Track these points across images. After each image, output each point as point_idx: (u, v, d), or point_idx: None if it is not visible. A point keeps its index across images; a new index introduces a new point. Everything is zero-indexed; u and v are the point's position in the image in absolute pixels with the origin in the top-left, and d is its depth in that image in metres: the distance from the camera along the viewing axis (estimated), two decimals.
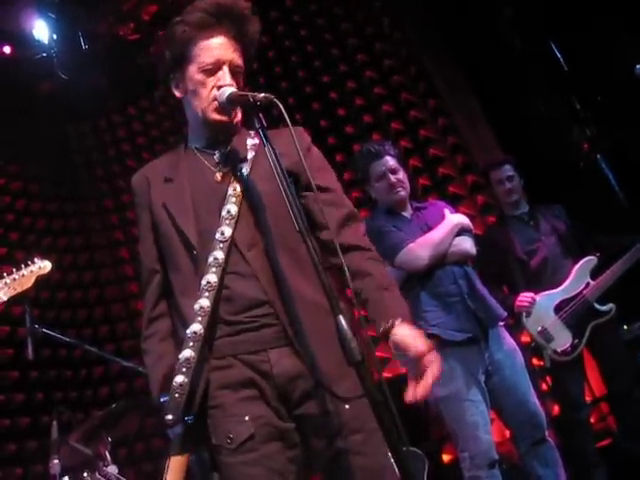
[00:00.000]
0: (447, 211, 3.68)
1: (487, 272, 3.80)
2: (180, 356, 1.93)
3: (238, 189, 2.05)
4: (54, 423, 3.66)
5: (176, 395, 1.91)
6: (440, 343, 3.38)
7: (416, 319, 3.44)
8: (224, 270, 1.98)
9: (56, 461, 3.56)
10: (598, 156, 4.73)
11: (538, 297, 4.15)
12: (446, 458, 5.47)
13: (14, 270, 2.60)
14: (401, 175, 3.68)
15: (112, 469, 3.62)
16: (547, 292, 4.17)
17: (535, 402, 3.49)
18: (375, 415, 1.55)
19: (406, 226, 3.63)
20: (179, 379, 1.91)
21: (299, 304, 1.93)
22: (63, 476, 3.55)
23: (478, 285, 3.55)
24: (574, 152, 4.95)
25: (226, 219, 2.01)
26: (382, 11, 6.43)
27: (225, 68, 2.08)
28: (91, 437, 3.78)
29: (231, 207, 2.02)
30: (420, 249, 3.48)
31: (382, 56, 6.39)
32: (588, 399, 4.61)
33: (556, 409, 4.72)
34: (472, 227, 3.68)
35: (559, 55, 5.08)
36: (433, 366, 1.90)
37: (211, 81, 2.08)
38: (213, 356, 1.98)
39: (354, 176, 5.80)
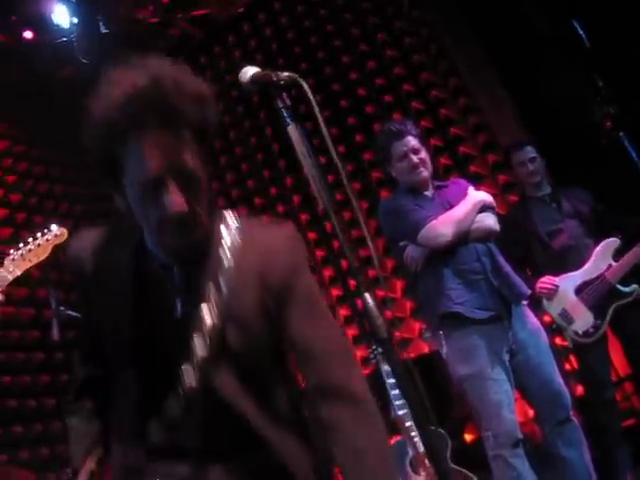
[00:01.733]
0: (470, 188, 3.67)
1: (509, 252, 3.79)
2: None
3: (203, 343, 1.61)
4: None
5: None
6: (463, 321, 3.39)
7: (439, 297, 3.45)
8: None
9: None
10: (621, 134, 4.67)
11: (559, 280, 4.13)
12: (469, 437, 5.48)
13: (30, 240, 2.49)
14: (423, 155, 3.66)
15: None
16: (568, 274, 4.14)
17: (560, 382, 3.48)
18: (402, 393, 1.54)
19: (428, 204, 3.62)
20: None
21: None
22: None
23: (501, 262, 3.54)
24: (596, 131, 4.90)
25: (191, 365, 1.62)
26: None
27: (169, 183, 1.51)
28: None
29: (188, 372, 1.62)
30: (442, 226, 3.47)
31: (402, 35, 6.34)
32: (613, 379, 4.58)
33: (580, 389, 4.72)
34: (495, 204, 3.66)
35: (582, 33, 5.01)
36: None
37: (153, 203, 1.53)
38: None
39: (375, 156, 5.82)
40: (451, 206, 3.57)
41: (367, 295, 1.55)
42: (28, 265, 2.43)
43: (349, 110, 6.31)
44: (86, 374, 1.86)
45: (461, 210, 3.52)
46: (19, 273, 2.42)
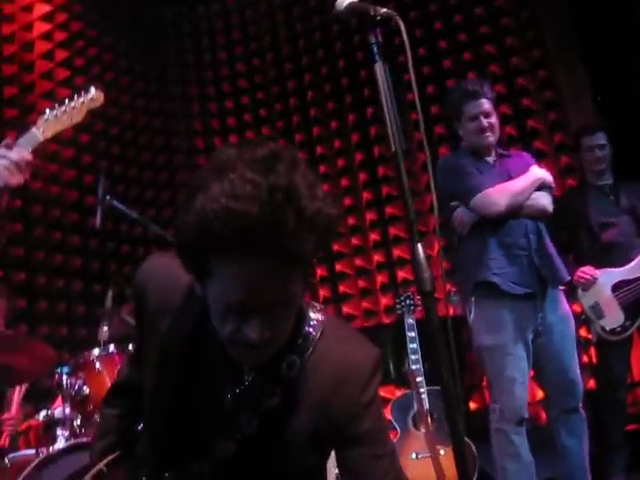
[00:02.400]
0: (534, 165, 3.62)
1: (556, 236, 3.74)
2: None
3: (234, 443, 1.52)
4: (109, 293, 3.77)
5: None
6: (497, 292, 3.39)
7: (478, 264, 3.45)
8: None
9: (105, 328, 3.70)
10: None
11: (599, 272, 4.08)
12: (473, 406, 5.54)
13: (66, 101, 2.40)
14: (493, 120, 3.61)
15: None
16: (610, 269, 4.09)
17: (576, 371, 3.48)
18: (434, 348, 1.54)
19: (488, 171, 3.58)
20: None
21: None
22: (109, 343, 3.69)
23: (548, 243, 3.50)
24: None
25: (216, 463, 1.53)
26: None
27: (257, 314, 1.34)
28: None
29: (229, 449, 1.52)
30: (498, 195, 3.44)
31: None
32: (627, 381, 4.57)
33: (591, 383, 4.71)
34: (553, 185, 3.62)
35: None
36: None
37: (232, 321, 1.37)
38: None
39: (442, 111, 5.75)
40: (510, 177, 3.53)
41: (419, 246, 1.54)
42: (61, 127, 2.35)
43: (426, 60, 6.20)
44: (127, 378, 1.86)
45: (519, 184, 3.48)
46: (51, 134, 2.36)
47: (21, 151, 2.30)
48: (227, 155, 1.34)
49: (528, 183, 3.49)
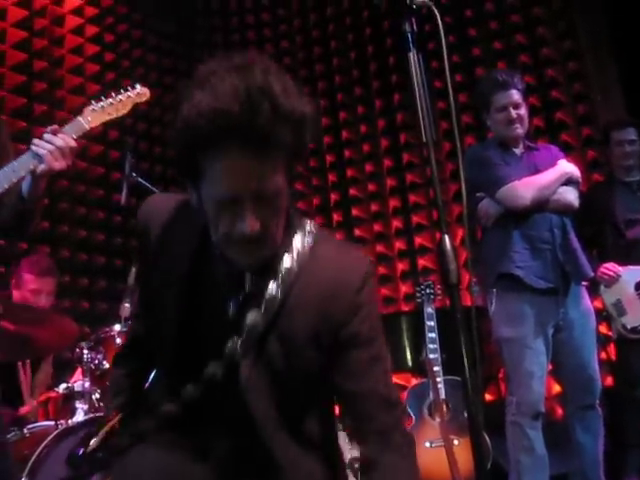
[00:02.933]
0: (562, 159, 3.60)
1: (581, 230, 3.72)
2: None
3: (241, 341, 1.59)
4: (132, 269, 3.80)
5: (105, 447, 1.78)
6: (520, 286, 3.39)
7: (501, 256, 3.44)
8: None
9: (127, 305, 3.73)
10: None
11: (623, 270, 4.05)
12: (488, 397, 5.53)
13: (113, 94, 2.51)
14: (522, 111, 3.59)
15: None
16: (634, 267, 4.05)
17: (595, 368, 3.47)
18: (457, 340, 1.54)
19: (515, 163, 3.56)
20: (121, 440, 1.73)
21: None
22: (129, 320, 3.72)
23: (572, 238, 3.49)
24: None
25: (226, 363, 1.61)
26: None
27: (246, 204, 1.44)
28: None
29: (237, 350, 1.60)
30: (524, 188, 3.42)
31: None
32: None
33: (609, 380, 4.70)
34: (580, 180, 3.60)
35: None
36: None
37: (226, 218, 1.47)
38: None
39: (469, 99, 5.71)
40: (537, 170, 3.52)
41: (447, 237, 1.54)
42: (106, 118, 2.44)
43: (455, 47, 6.14)
44: (135, 333, 1.94)
45: (546, 178, 3.46)
46: (96, 124, 2.43)
47: (66, 137, 2.35)
48: (207, 67, 1.48)
49: (555, 177, 3.47)
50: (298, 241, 1.61)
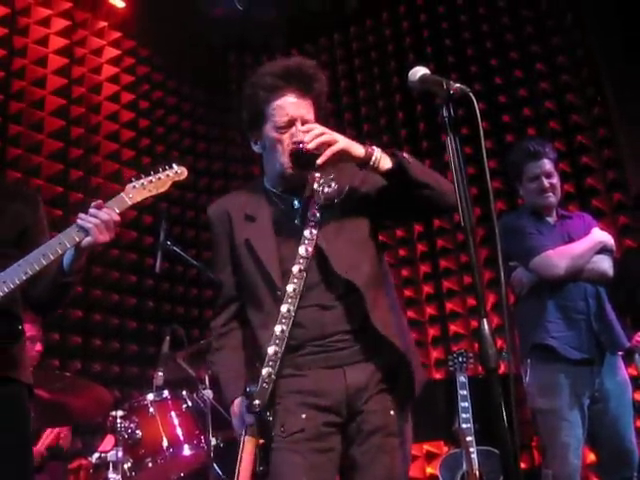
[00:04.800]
0: (596, 228, 3.59)
1: (614, 297, 3.69)
2: (269, 350, 2.15)
3: (314, 232, 2.24)
4: (167, 338, 3.83)
5: (264, 385, 2.13)
6: (554, 356, 3.36)
7: (536, 327, 3.42)
8: (300, 301, 2.20)
9: (160, 373, 3.74)
10: None
11: None
12: (522, 466, 5.43)
13: (152, 172, 2.61)
14: (555, 180, 3.60)
15: (208, 393, 3.77)
16: None
17: (632, 440, 3.40)
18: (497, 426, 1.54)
19: (548, 232, 3.56)
20: (266, 371, 2.14)
21: (373, 332, 2.16)
22: (163, 388, 3.73)
23: (607, 308, 3.46)
24: None
25: (301, 259, 2.22)
26: (567, 5, 6.20)
27: (298, 124, 2.25)
28: (196, 359, 3.93)
29: (306, 248, 2.22)
30: (558, 258, 3.42)
31: (556, 51, 6.17)
32: None
33: None
34: (615, 249, 3.58)
35: None
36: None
37: (286, 137, 2.26)
38: (291, 367, 2.21)
39: (499, 165, 5.73)
40: (571, 239, 3.51)
41: (485, 321, 1.54)
42: (147, 195, 2.54)
43: (485, 114, 6.19)
44: (224, 319, 2.40)
45: (580, 247, 3.45)
46: (137, 200, 2.53)
47: (110, 212, 2.46)
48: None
49: (589, 246, 3.46)
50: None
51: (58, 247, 2.44)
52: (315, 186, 2.32)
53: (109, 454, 3.58)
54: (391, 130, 6.85)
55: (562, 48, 6.17)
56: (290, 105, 2.26)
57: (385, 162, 2.14)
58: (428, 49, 6.72)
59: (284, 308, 2.16)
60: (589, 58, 6.03)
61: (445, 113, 1.68)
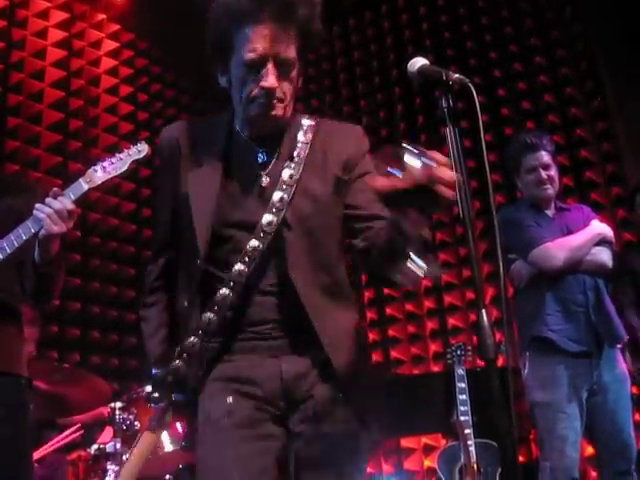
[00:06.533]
0: (595, 220, 3.60)
1: (614, 291, 3.69)
2: (186, 342, 1.82)
3: (285, 197, 1.83)
4: None
5: (169, 377, 1.83)
6: (553, 349, 3.37)
7: (535, 319, 3.42)
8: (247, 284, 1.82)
9: None
10: None
11: None
12: (519, 459, 5.44)
13: (116, 154, 2.56)
14: (552, 172, 3.61)
15: None
16: None
17: (630, 433, 3.42)
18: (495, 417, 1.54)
19: (547, 224, 3.57)
20: (177, 363, 1.81)
21: (328, 323, 1.82)
22: None
23: (606, 300, 3.47)
24: None
25: (264, 232, 1.81)
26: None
27: (269, 65, 1.78)
28: None
29: (272, 218, 1.82)
30: (557, 250, 3.43)
31: (556, 44, 6.16)
32: None
33: None
34: (614, 240, 3.59)
35: None
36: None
37: (252, 80, 1.80)
38: (217, 351, 1.86)
39: (499, 159, 5.72)
40: (569, 231, 3.52)
41: (484, 312, 1.54)
42: (107, 177, 2.52)
43: (483, 107, 6.18)
44: (160, 269, 2.02)
45: (579, 239, 3.46)
46: (95, 184, 2.51)
47: (64, 200, 2.42)
48: None
49: (588, 238, 3.47)
50: (305, 120, 1.98)
51: (15, 240, 2.44)
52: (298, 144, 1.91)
53: (108, 445, 3.58)
54: (390, 123, 6.84)
55: (561, 41, 6.16)
56: (262, 37, 1.76)
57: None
58: (427, 42, 6.72)
59: (224, 290, 1.78)
60: (588, 51, 6.02)
61: (444, 104, 1.67)
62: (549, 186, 3.60)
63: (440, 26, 6.72)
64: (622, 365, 3.50)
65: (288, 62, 1.82)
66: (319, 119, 2.00)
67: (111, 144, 6.01)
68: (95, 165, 2.53)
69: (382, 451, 5.85)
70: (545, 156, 3.60)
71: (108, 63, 6.22)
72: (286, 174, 1.86)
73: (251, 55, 1.77)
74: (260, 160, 1.91)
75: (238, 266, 1.79)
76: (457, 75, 1.68)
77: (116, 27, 6.34)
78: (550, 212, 3.64)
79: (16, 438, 2.49)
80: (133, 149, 2.58)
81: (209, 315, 1.80)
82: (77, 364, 5.12)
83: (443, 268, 6.20)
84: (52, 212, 2.37)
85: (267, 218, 1.81)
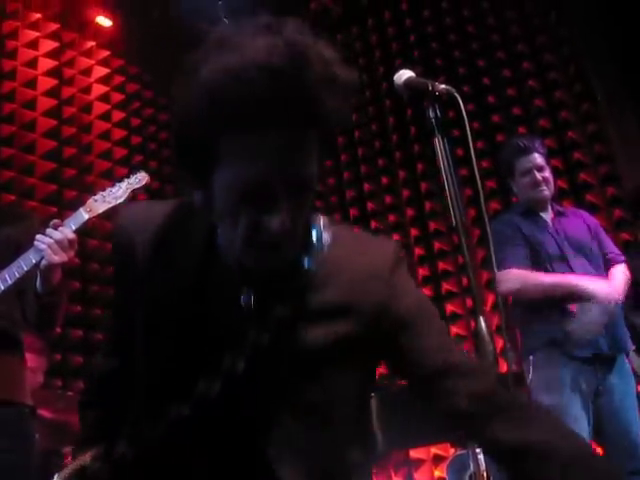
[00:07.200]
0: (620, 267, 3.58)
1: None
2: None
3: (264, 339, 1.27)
4: None
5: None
6: (557, 352, 3.36)
7: (538, 323, 3.42)
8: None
9: None
10: None
11: None
12: None
13: (115, 183, 2.59)
14: (547, 174, 3.61)
15: None
16: None
17: (638, 433, 3.39)
18: None
19: (541, 231, 3.55)
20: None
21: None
22: None
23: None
24: None
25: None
26: (551, 3, 6.23)
27: (278, 194, 1.15)
28: None
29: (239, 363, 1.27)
30: (512, 278, 3.39)
31: (543, 50, 6.20)
32: None
33: None
34: (616, 299, 3.38)
35: None
36: None
37: (249, 211, 1.16)
38: None
39: (493, 165, 5.75)
40: (566, 236, 3.50)
41: (482, 319, 1.55)
42: (107, 206, 2.54)
43: (475, 115, 6.21)
44: (106, 372, 1.54)
45: (547, 279, 3.40)
46: (95, 214, 2.54)
47: (64, 230, 2.45)
48: (222, 32, 1.14)
49: (556, 282, 3.38)
50: (315, 239, 1.32)
51: (16, 270, 2.46)
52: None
53: None
54: (382, 135, 6.86)
55: (548, 46, 6.20)
56: (269, 151, 1.11)
57: None
58: (415, 53, 6.76)
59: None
60: (576, 55, 6.06)
61: (432, 115, 1.69)
62: (545, 187, 3.59)
63: (427, 37, 6.76)
64: (628, 366, 3.49)
65: (305, 183, 1.18)
66: (336, 234, 1.36)
67: (105, 170, 6.04)
68: (95, 195, 2.55)
69: (391, 463, 5.82)
70: (538, 158, 3.61)
71: (99, 89, 6.27)
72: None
73: (249, 178, 1.13)
74: (244, 302, 1.29)
75: (203, 385, 1.29)
76: (443, 86, 1.70)
77: (106, 53, 6.39)
78: (547, 215, 3.62)
79: (21, 469, 2.48)
80: (132, 178, 2.62)
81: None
82: (81, 391, 5.10)
83: (443, 277, 6.22)
84: (53, 242, 2.40)
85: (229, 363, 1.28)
